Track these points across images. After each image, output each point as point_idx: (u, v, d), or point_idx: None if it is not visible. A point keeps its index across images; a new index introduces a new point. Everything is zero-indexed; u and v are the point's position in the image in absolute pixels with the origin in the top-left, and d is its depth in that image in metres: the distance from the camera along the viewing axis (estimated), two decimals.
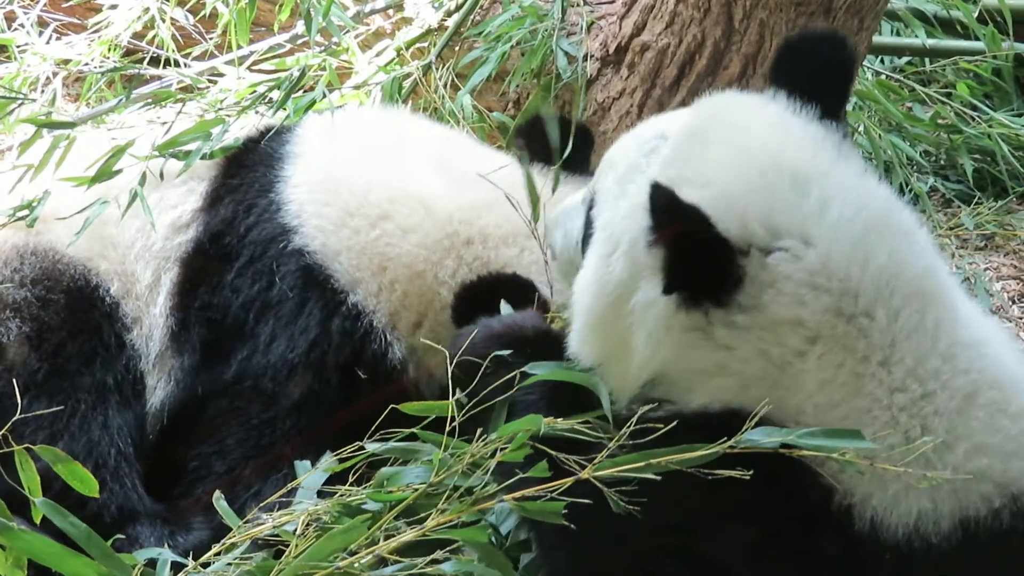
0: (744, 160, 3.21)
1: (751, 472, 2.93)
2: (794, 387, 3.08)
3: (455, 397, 3.45)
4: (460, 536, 3.21)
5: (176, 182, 4.59)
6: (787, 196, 3.15)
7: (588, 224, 3.49)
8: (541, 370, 3.44)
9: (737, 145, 3.26)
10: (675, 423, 3.08)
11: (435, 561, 3.20)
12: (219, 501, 3.83)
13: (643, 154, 3.38)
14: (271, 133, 4.71)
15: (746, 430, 2.97)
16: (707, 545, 3.09)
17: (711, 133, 3.32)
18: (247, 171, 4.62)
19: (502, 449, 3.22)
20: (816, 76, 3.37)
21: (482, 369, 3.47)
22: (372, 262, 4.40)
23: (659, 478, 2.99)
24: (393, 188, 4.45)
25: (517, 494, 3.12)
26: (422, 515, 3.29)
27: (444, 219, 4.41)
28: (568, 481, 3.08)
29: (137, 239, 4.53)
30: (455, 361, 3.54)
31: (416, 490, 3.34)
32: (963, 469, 3.03)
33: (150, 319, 4.48)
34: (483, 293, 4.06)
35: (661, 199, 3.04)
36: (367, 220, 4.44)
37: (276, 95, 5.20)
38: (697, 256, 3.07)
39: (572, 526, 3.06)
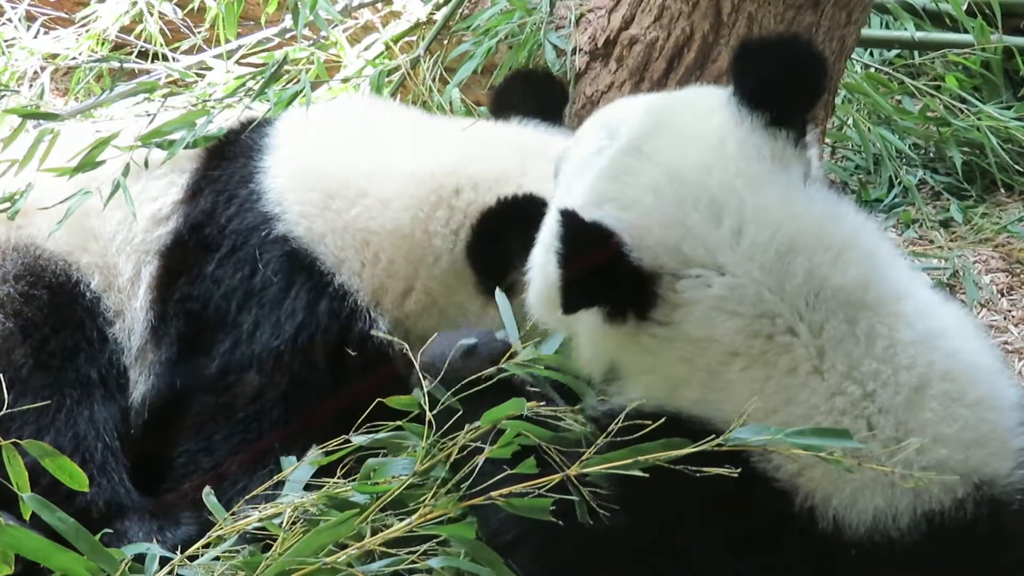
0: (668, 185, 3.26)
1: (703, 477, 2.95)
2: (728, 392, 3.13)
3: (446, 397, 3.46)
4: (447, 532, 3.20)
5: (157, 174, 4.58)
6: (700, 226, 3.21)
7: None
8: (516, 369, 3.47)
9: (667, 166, 3.30)
10: (623, 418, 3.11)
11: (423, 555, 3.20)
12: (208, 496, 3.82)
13: (593, 152, 3.43)
14: (252, 126, 4.70)
15: (732, 429, 2.97)
16: (673, 552, 3.13)
17: (648, 147, 3.36)
18: (228, 163, 4.62)
19: (491, 443, 3.22)
20: (779, 79, 3.35)
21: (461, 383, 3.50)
22: (355, 239, 4.40)
23: (633, 477, 3.02)
24: (371, 165, 4.46)
25: (504, 490, 3.13)
26: (411, 506, 3.29)
27: (426, 178, 4.39)
28: (556, 478, 3.09)
29: (118, 232, 4.53)
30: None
31: (403, 481, 3.34)
32: (919, 462, 3.04)
33: (131, 313, 4.48)
34: (501, 216, 4.16)
35: (571, 227, 3.15)
36: (347, 200, 4.44)
37: (265, 88, 5.17)
38: (608, 280, 3.17)
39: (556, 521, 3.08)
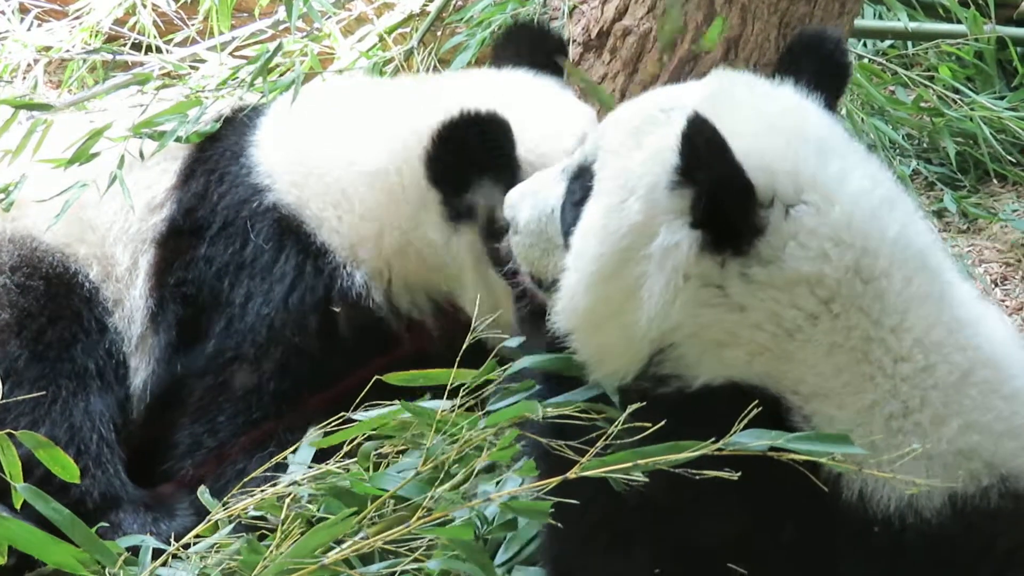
0: (771, 122, 3.24)
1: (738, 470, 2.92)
2: (798, 358, 3.08)
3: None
4: (446, 534, 3.20)
5: (150, 163, 4.60)
6: (812, 159, 3.17)
7: (575, 190, 3.46)
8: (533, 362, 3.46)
9: (763, 110, 3.29)
10: (679, 405, 3.10)
11: (422, 553, 3.21)
12: (204, 494, 3.83)
13: (663, 110, 3.35)
14: (245, 111, 4.75)
15: (741, 424, 2.94)
16: (686, 521, 3.09)
17: (736, 97, 3.35)
18: (218, 143, 4.66)
19: (492, 444, 3.22)
20: (820, 72, 3.45)
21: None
22: (334, 197, 4.43)
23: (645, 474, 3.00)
24: (352, 128, 4.49)
25: (505, 492, 3.12)
26: (411, 501, 3.29)
27: (405, 127, 4.42)
28: (555, 481, 3.07)
29: (115, 222, 4.54)
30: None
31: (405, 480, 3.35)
32: (955, 444, 3.03)
33: (131, 302, 4.49)
34: (457, 131, 4.15)
35: (698, 126, 3.03)
36: (331, 164, 4.48)
37: (257, 77, 5.17)
38: (724, 194, 3.07)
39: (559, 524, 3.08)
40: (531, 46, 4.69)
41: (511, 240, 3.68)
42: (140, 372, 4.47)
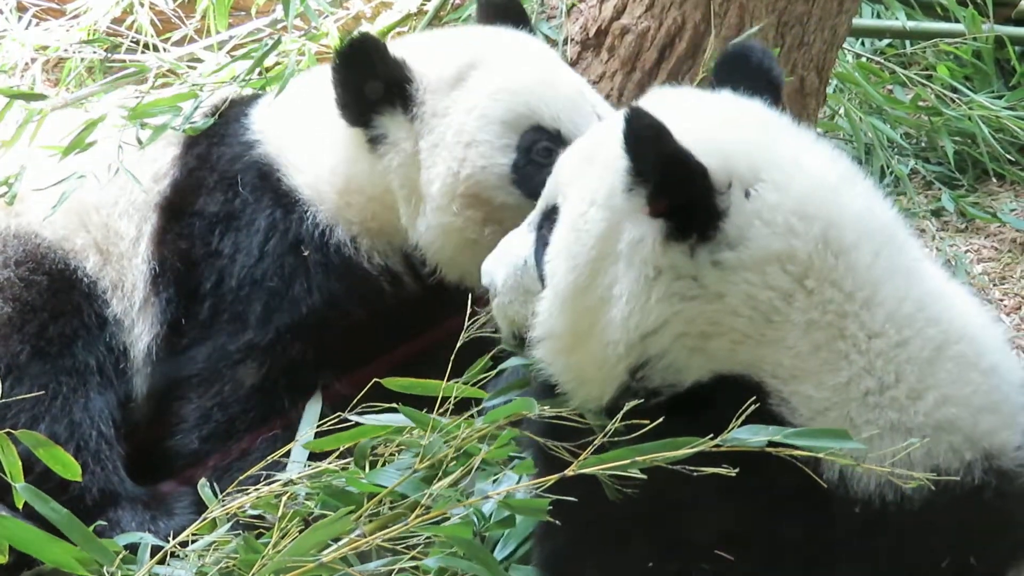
0: (718, 113, 3.30)
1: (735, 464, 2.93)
2: (777, 340, 3.08)
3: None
4: (444, 532, 3.20)
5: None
6: (764, 140, 3.20)
7: (544, 234, 3.47)
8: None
9: (709, 106, 3.35)
10: (671, 410, 3.09)
11: (421, 550, 3.21)
12: (203, 488, 3.83)
13: (606, 134, 3.37)
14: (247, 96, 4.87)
15: (733, 427, 2.95)
16: (672, 509, 3.09)
17: (681, 100, 3.42)
18: (223, 115, 4.76)
19: (490, 442, 3.22)
20: (752, 85, 3.48)
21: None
22: (306, 148, 4.52)
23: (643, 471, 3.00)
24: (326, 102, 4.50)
25: (502, 490, 3.12)
26: (409, 499, 3.29)
27: None
28: (553, 478, 3.08)
29: (120, 196, 4.59)
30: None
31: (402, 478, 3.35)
32: (932, 418, 3.03)
33: (133, 270, 4.52)
34: (338, 60, 4.29)
35: (636, 116, 3.06)
36: (310, 124, 4.56)
37: (252, 71, 5.20)
38: (675, 176, 3.08)
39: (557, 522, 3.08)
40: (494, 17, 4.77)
41: (493, 306, 3.67)
42: (144, 337, 4.49)
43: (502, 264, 3.62)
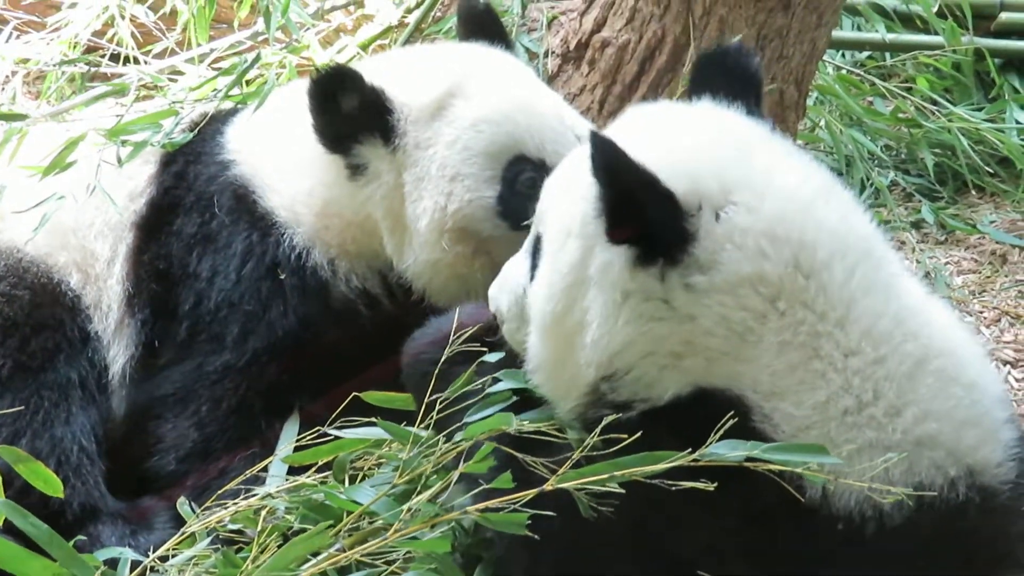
0: (688, 132, 3.27)
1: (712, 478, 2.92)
2: (752, 358, 3.07)
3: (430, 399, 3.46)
4: (422, 547, 3.20)
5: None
6: (734, 159, 3.17)
7: (536, 262, 3.46)
8: (511, 378, 3.45)
9: (679, 124, 3.33)
10: (650, 423, 3.08)
11: (396, 573, 3.20)
12: (183, 506, 3.83)
13: (580, 161, 3.35)
14: (226, 111, 4.85)
15: (712, 442, 2.95)
16: (649, 525, 3.09)
17: (651, 119, 3.39)
18: (199, 132, 4.73)
19: (467, 459, 3.22)
20: (731, 85, 3.43)
21: (435, 370, 3.51)
22: (282, 169, 4.50)
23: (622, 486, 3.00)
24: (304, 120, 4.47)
25: (481, 505, 3.12)
26: (386, 515, 3.29)
27: None
28: (531, 493, 3.07)
29: (96, 217, 4.58)
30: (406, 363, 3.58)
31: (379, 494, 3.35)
32: (911, 434, 3.03)
33: (108, 291, 4.51)
34: (314, 88, 4.26)
35: (597, 144, 3.05)
36: (287, 143, 4.52)
37: (233, 86, 5.19)
38: (637, 205, 3.07)
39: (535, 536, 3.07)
40: (474, 30, 4.75)
41: (503, 332, 3.65)
42: (119, 359, 4.48)
43: (504, 291, 3.61)
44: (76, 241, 4.56)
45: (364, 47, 6.35)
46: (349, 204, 4.39)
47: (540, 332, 3.33)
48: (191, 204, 4.54)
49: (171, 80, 6.31)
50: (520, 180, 4.25)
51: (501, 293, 3.62)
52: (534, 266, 3.44)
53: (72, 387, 4.40)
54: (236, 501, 3.55)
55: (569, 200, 3.31)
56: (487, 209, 4.26)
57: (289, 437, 4.10)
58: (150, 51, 6.86)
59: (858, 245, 3.15)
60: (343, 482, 3.53)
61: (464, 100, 4.34)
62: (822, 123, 6.81)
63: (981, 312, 5.84)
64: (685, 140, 3.24)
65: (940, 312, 3.27)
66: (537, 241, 3.46)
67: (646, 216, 3.08)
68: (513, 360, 3.48)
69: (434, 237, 4.25)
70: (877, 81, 7.10)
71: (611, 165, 3.04)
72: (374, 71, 4.41)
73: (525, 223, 3.64)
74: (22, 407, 4.27)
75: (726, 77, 3.47)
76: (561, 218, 3.32)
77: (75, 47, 6.85)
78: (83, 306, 4.51)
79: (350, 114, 4.29)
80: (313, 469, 3.61)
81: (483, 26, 4.71)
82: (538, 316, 3.33)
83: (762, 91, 3.53)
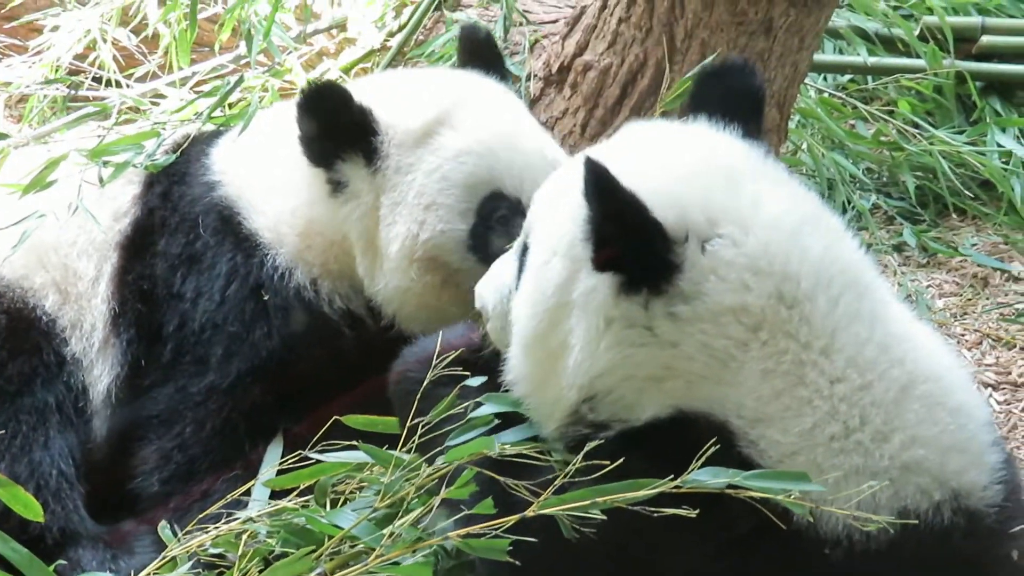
0: (678, 160, 3.28)
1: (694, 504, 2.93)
2: (736, 382, 3.09)
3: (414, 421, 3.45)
4: (404, 572, 3.19)
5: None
6: (722, 190, 3.19)
7: (522, 264, 3.48)
8: (493, 401, 3.45)
9: (670, 150, 3.34)
10: (630, 444, 3.09)
11: None
12: (164, 530, 3.82)
13: (573, 179, 3.37)
14: (210, 132, 4.84)
15: (694, 469, 2.95)
16: (636, 551, 3.09)
17: (643, 143, 3.41)
18: (184, 154, 4.72)
19: (448, 485, 3.21)
20: (731, 102, 3.46)
21: (420, 390, 3.51)
22: (266, 190, 4.50)
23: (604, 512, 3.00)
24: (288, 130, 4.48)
25: (462, 531, 3.11)
26: (367, 539, 3.28)
27: None
28: (513, 519, 3.07)
29: (79, 235, 4.57)
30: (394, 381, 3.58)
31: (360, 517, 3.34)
32: (898, 460, 3.04)
33: (92, 311, 4.50)
34: (303, 103, 4.27)
35: (590, 170, 3.06)
36: (271, 164, 4.54)
37: (215, 109, 5.19)
38: (624, 234, 3.09)
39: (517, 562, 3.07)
40: (470, 52, 4.78)
41: (487, 329, 3.68)
42: (103, 379, 4.46)
43: (491, 289, 3.63)
44: (57, 259, 4.55)
45: (346, 70, 6.36)
46: (330, 222, 4.39)
47: (522, 347, 3.35)
48: (176, 224, 4.53)
49: (153, 103, 6.30)
50: (494, 217, 4.26)
51: (488, 291, 3.64)
52: (521, 269, 3.45)
53: (50, 411, 4.38)
54: (218, 525, 3.54)
55: (559, 218, 3.32)
56: (458, 241, 4.27)
57: (272, 460, 4.09)
58: (132, 74, 6.85)
59: (843, 274, 3.17)
60: (324, 506, 3.53)
61: (451, 130, 4.34)
62: (804, 146, 6.81)
63: (963, 335, 5.84)
64: (676, 168, 3.25)
65: (926, 337, 3.29)
66: (525, 249, 3.47)
67: (634, 246, 3.10)
68: (496, 384, 3.48)
69: (404, 264, 4.26)
70: (859, 104, 7.10)
71: (603, 193, 3.07)
72: (363, 91, 4.41)
73: (494, 259, 3.66)
74: (0, 432, 4.25)
75: (727, 94, 3.49)
76: (550, 234, 3.33)
77: (57, 70, 6.84)
78: (59, 329, 4.49)
79: (336, 129, 4.30)
80: (295, 493, 3.61)
81: (481, 54, 4.71)
82: (520, 331, 3.35)
83: (763, 110, 3.55)
